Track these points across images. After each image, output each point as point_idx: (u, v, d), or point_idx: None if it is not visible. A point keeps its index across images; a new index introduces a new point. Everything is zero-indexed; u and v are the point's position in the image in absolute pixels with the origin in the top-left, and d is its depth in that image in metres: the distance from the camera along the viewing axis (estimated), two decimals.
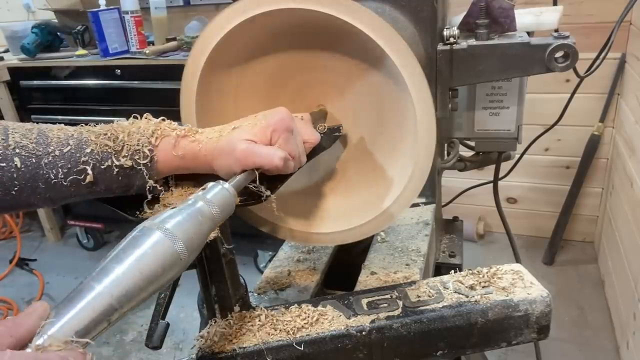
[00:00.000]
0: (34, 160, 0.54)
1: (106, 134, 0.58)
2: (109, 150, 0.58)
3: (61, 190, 0.56)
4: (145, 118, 0.62)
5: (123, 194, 0.60)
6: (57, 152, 0.55)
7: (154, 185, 0.60)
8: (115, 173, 0.58)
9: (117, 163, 0.57)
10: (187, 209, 0.48)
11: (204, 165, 0.61)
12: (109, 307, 0.39)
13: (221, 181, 0.54)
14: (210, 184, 0.53)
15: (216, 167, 0.60)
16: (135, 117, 0.62)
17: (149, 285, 0.42)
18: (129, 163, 0.58)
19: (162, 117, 0.62)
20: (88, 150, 0.56)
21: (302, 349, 0.60)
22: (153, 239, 0.43)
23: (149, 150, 0.59)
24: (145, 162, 0.58)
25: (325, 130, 0.70)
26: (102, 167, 0.57)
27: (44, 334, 0.36)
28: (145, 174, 0.59)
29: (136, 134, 0.59)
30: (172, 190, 0.63)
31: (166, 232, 0.44)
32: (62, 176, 0.55)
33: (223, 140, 0.60)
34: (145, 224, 0.45)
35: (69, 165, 0.56)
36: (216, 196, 0.51)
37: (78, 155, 0.56)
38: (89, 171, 0.56)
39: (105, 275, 0.40)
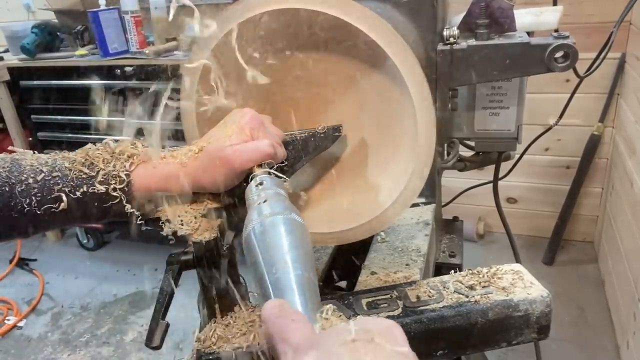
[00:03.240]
0: (7, 189, 0.53)
1: (81, 160, 0.58)
2: (84, 177, 0.56)
3: (35, 219, 0.55)
4: (121, 141, 0.62)
5: (100, 220, 0.60)
6: (30, 180, 0.54)
7: (131, 210, 0.58)
8: (90, 199, 0.57)
9: (92, 189, 0.56)
10: (271, 197, 0.52)
11: (190, 187, 0.60)
12: (314, 284, 0.43)
13: (254, 175, 0.57)
14: (258, 176, 0.57)
15: (205, 183, 0.59)
16: (114, 141, 0.62)
17: (312, 256, 0.47)
18: (104, 189, 0.57)
19: (135, 140, 0.63)
20: (62, 177, 0.56)
21: None
22: (286, 223, 0.47)
23: (125, 174, 0.58)
24: (121, 187, 0.57)
25: (325, 130, 0.70)
26: (77, 193, 0.56)
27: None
28: (122, 198, 0.57)
29: (112, 159, 0.59)
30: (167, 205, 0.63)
31: (286, 215, 0.48)
32: (36, 204, 0.54)
33: (204, 156, 0.59)
34: (259, 220, 0.48)
35: (43, 193, 0.54)
36: (272, 184, 0.56)
37: (52, 182, 0.55)
38: (64, 198, 0.55)
39: (286, 264, 0.43)
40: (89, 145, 0.61)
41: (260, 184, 0.55)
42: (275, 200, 0.51)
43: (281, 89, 0.77)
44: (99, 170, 0.57)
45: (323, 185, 0.79)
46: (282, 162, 0.65)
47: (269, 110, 0.77)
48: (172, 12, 0.65)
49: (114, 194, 0.57)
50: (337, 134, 0.70)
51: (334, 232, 0.73)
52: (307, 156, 0.68)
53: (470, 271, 0.68)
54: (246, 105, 0.76)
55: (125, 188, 0.57)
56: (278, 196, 0.53)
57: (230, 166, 0.57)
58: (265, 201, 0.51)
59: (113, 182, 0.57)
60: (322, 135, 0.69)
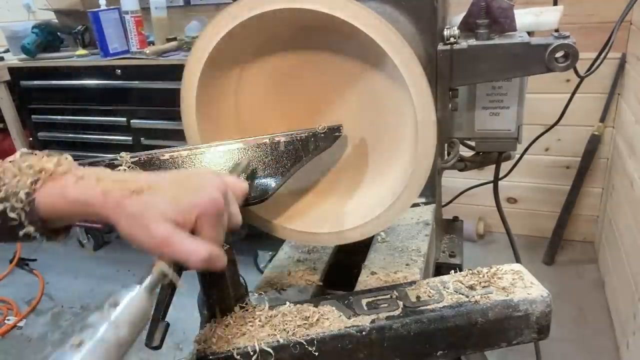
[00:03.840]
0: None
1: None
2: None
3: None
4: (40, 155, 0.54)
5: (11, 239, 0.53)
6: None
7: (34, 233, 0.51)
8: None
9: None
10: (88, 342, 0.41)
11: (107, 220, 0.50)
12: None
13: (134, 284, 0.47)
14: (121, 291, 0.46)
15: (124, 232, 0.49)
16: (30, 154, 0.54)
17: None
18: (1, 207, 0.50)
19: (60, 155, 0.54)
20: None
21: (302, 349, 0.60)
22: None
23: (25, 193, 0.50)
24: (20, 206, 0.50)
25: (325, 130, 0.70)
26: None
27: None
28: (23, 218, 0.50)
29: (19, 173, 0.51)
30: None
31: None
32: None
33: (136, 204, 0.48)
34: None
35: None
36: (124, 313, 0.44)
37: None
38: None
39: None
40: (15, 155, 0.54)
41: (114, 305, 0.44)
42: (91, 352, 0.40)
43: (281, 89, 0.77)
44: (3, 185, 0.51)
45: (323, 186, 0.79)
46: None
47: (269, 109, 0.77)
48: None
49: (12, 214, 0.50)
50: (337, 134, 0.70)
51: (334, 232, 0.73)
52: (307, 156, 0.68)
53: (471, 271, 0.68)
54: (246, 105, 0.76)
55: (26, 207, 0.50)
56: (96, 346, 0.41)
57: (152, 244, 0.48)
58: (79, 344, 0.40)
59: (13, 199, 0.50)
60: (322, 135, 0.69)
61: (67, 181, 0.51)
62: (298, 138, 0.67)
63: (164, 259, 0.50)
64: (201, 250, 0.48)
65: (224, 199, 0.51)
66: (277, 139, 0.67)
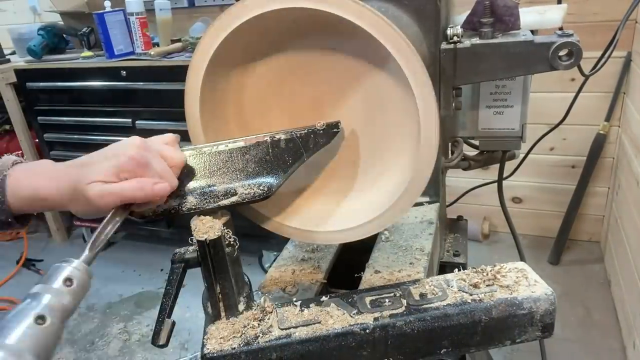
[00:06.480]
0: None
1: None
2: None
3: None
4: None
5: None
6: None
7: (9, 220, 0.61)
8: None
9: None
10: (22, 314, 0.45)
11: (60, 207, 0.61)
12: None
13: (70, 260, 0.52)
14: (54, 266, 0.51)
15: (76, 213, 0.61)
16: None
17: None
18: None
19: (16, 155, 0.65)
20: None
21: (306, 347, 0.60)
22: None
23: None
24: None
25: (324, 127, 0.70)
26: None
27: None
28: None
29: None
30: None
31: (8, 349, 0.41)
32: None
33: (70, 184, 0.59)
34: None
35: None
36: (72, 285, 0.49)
37: None
38: None
39: None
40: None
41: (69, 280, 0.50)
42: (16, 323, 0.43)
43: (284, 88, 0.77)
44: None
45: (326, 185, 0.79)
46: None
47: (272, 108, 0.77)
48: None
49: None
50: (335, 130, 0.70)
51: (337, 230, 0.73)
52: (307, 153, 0.68)
53: (474, 269, 0.68)
54: (247, 102, 0.76)
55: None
56: (29, 319, 0.44)
57: (93, 205, 0.57)
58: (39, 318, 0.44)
59: None
60: (321, 132, 0.69)
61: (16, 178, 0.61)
62: (298, 135, 0.68)
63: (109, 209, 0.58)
64: (131, 183, 0.58)
65: (143, 150, 0.61)
66: (277, 136, 0.67)
